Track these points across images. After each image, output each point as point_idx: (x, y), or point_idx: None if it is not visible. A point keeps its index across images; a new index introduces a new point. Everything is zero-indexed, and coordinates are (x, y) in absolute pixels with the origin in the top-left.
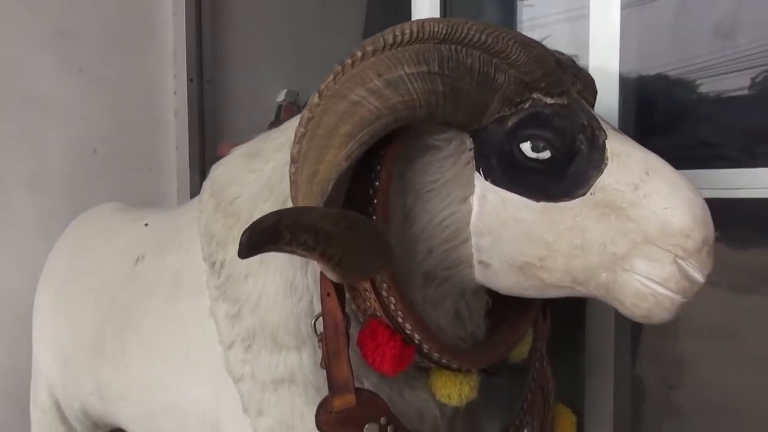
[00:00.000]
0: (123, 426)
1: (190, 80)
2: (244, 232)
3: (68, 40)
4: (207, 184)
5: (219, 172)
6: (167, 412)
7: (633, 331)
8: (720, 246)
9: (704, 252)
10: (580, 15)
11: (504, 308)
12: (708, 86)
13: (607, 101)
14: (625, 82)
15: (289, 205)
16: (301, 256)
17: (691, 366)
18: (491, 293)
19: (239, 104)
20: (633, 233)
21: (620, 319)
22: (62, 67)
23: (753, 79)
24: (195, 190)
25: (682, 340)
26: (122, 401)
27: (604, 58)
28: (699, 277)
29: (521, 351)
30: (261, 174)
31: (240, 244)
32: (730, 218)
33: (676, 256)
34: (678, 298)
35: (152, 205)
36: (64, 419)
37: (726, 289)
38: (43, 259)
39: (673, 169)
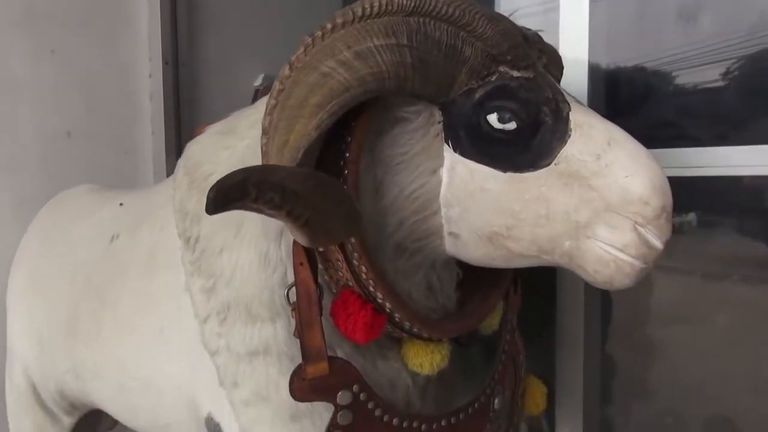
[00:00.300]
0: (99, 405)
1: (165, 63)
2: (211, 188)
3: (40, 20)
4: (181, 162)
5: (193, 149)
6: (143, 389)
7: (603, 309)
8: (693, 235)
9: (663, 219)
10: (551, 8)
11: (475, 280)
12: (673, 73)
13: (578, 89)
14: (594, 70)
15: None
16: (269, 215)
17: (659, 347)
18: (462, 265)
19: (215, 88)
20: (595, 201)
21: (589, 295)
22: (34, 48)
23: (716, 64)
24: (171, 174)
25: (652, 323)
26: (98, 380)
27: (574, 49)
28: (658, 243)
29: (492, 323)
30: (235, 151)
31: (207, 200)
32: (696, 198)
33: (636, 223)
34: (638, 264)
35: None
36: (40, 401)
37: (699, 276)
38: (17, 242)
39: (633, 140)
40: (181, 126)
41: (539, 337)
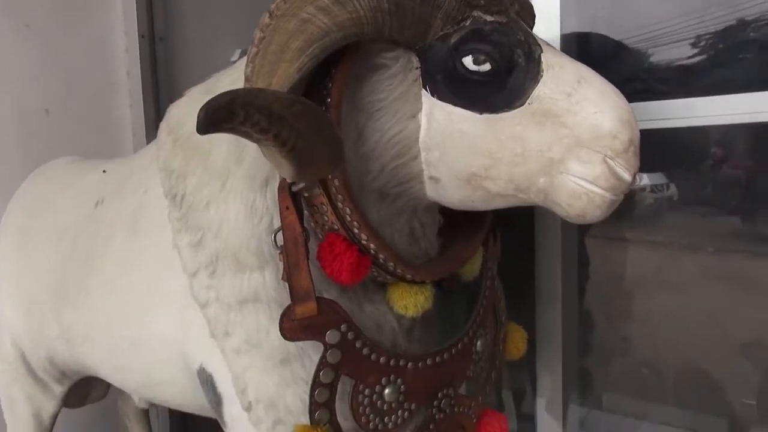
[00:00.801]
0: (90, 370)
1: (141, 37)
2: (201, 109)
3: None
4: (163, 125)
5: (174, 111)
6: (134, 348)
7: (580, 265)
8: (671, 208)
9: (630, 152)
10: None
11: (455, 227)
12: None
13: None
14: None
15: None
16: (256, 140)
17: (635, 305)
18: (443, 213)
19: (193, 62)
20: (567, 138)
21: (567, 249)
22: (8, 23)
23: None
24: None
25: (627, 286)
26: (88, 342)
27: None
28: (626, 175)
29: (472, 268)
30: None
31: (198, 120)
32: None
33: (606, 156)
34: (608, 196)
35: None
36: (30, 371)
37: (677, 249)
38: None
39: (601, 78)
40: (160, 100)
41: (520, 289)
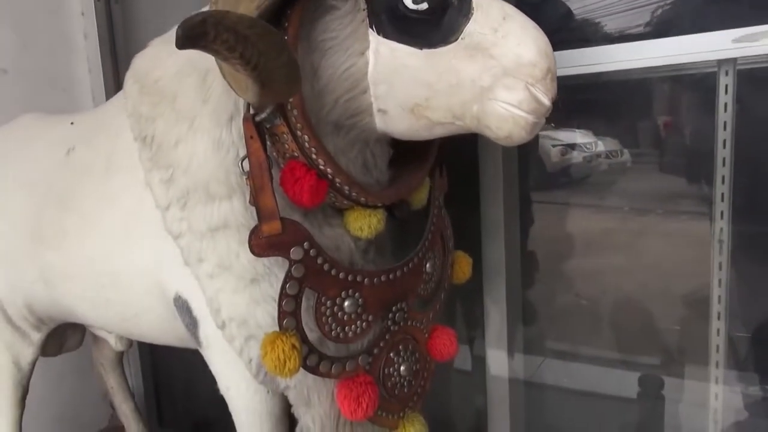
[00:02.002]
0: (68, 312)
1: (97, 1)
2: (178, 27)
3: None
4: (129, 74)
5: (139, 61)
6: (112, 282)
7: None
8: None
9: (548, 79)
10: None
11: (404, 159)
12: None
13: None
14: None
15: (211, 77)
16: (224, 57)
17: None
18: (394, 146)
19: (150, 24)
20: (494, 68)
21: (507, 186)
22: None
23: None
24: None
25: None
26: (67, 281)
27: None
28: (545, 99)
29: (420, 197)
30: (180, 54)
31: (176, 38)
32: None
33: (527, 83)
34: (531, 118)
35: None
36: (8, 318)
37: (628, 212)
38: None
39: (523, 14)
40: (118, 62)
41: (467, 226)
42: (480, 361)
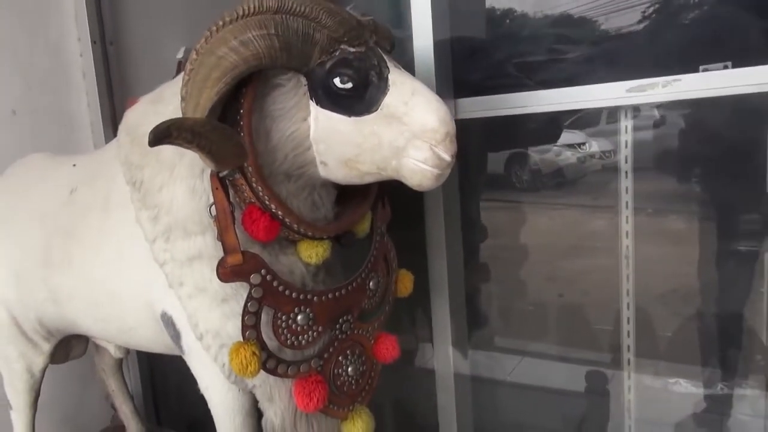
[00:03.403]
0: (74, 325)
1: (93, 42)
2: (151, 131)
3: None
4: (122, 127)
5: (131, 116)
6: (111, 301)
7: (464, 228)
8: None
9: (447, 140)
10: None
11: (348, 198)
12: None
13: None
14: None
15: None
16: (187, 147)
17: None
18: (338, 187)
19: (141, 62)
20: (406, 132)
21: (449, 212)
22: None
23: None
24: (108, 142)
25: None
26: (73, 300)
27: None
28: (446, 156)
29: (363, 228)
30: (163, 114)
31: (149, 138)
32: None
33: (431, 144)
34: (435, 171)
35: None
36: (22, 331)
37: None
38: None
39: (429, 90)
40: (114, 98)
41: (416, 246)
42: (430, 359)
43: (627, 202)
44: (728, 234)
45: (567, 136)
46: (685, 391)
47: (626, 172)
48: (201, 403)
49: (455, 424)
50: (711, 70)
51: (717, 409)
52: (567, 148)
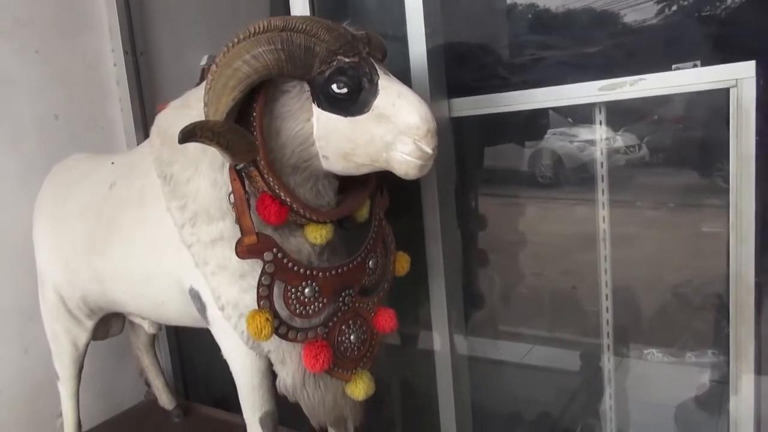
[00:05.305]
0: (114, 303)
1: (125, 53)
2: (180, 132)
3: (24, 27)
4: (154, 129)
5: (161, 119)
6: (146, 280)
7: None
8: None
9: (429, 136)
10: None
11: (348, 187)
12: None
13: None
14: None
15: None
16: (209, 144)
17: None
18: (341, 179)
19: (169, 70)
20: (393, 130)
21: (444, 201)
22: (22, 50)
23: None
24: (140, 142)
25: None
26: (113, 280)
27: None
28: (428, 149)
29: (362, 213)
30: (190, 117)
31: (178, 137)
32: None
33: (414, 139)
34: (419, 162)
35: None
36: (68, 310)
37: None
38: (25, 204)
39: (413, 93)
40: (144, 103)
41: (415, 232)
42: (428, 339)
43: (603, 190)
44: None
45: (590, 131)
46: None
47: (601, 163)
48: (225, 379)
49: (453, 400)
50: (682, 68)
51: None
52: (591, 144)
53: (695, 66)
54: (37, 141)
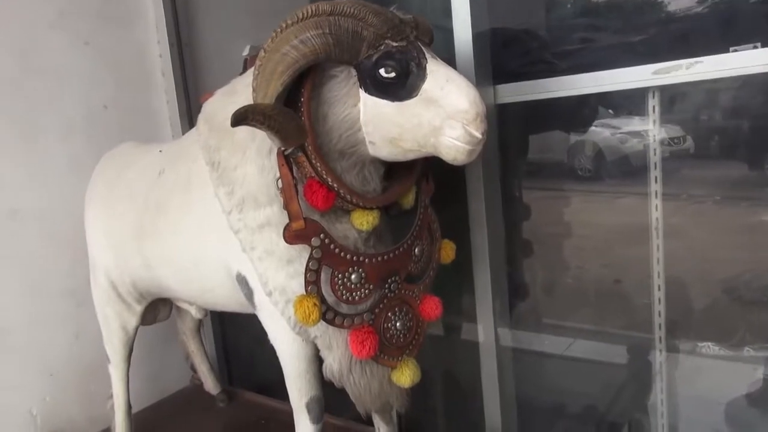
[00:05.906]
0: (163, 288)
1: (171, 45)
2: (232, 115)
3: (73, 19)
4: (201, 117)
5: (208, 107)
6: (194, 265)
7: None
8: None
9: (478, 120)
10: None
11: (394, 174)
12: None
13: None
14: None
15: None
16: (259, 128)
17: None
18: (387, 166)
19: (213, 61)
20: (442, 114)
21: (489, 190)
22: (71, 41)
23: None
24: (185, 132)
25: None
26: (162, 266)
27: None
28: (477, 134)
29: (408, 200)
30: (237, 103)
31: (231, 120)
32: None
33: (463, 123)
34: (467, 147)
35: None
36: (118, 294)
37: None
38: (75, 192)
39: (461, 76)
40: (189, 94)
41: (459, 220)
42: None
43: (656, 178)
44: None
45: (634, 122)
46: None
47: (654, 150)
48: (269, 365)
49: (498, 392)
50: (741, 50)
51: None
52: (633, 135)
53: (755, 48)
54: (87, 131)
